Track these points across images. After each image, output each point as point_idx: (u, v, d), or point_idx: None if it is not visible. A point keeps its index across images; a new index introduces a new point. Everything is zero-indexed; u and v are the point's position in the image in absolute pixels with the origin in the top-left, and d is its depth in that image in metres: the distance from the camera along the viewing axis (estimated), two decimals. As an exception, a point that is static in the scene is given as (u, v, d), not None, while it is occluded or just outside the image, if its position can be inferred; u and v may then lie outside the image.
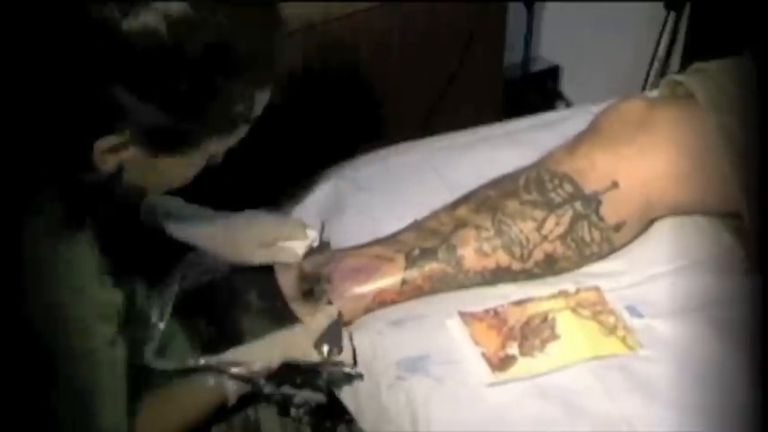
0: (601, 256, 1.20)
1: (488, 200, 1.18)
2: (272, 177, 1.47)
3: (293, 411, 1.10)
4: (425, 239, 1.17)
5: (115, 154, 0.87)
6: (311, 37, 1.65)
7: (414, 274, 1.15)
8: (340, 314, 1.12)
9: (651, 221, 1.24)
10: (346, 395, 1.13)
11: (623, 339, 1.09)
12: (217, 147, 0.94)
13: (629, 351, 1.08)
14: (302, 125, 1.68)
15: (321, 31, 1.66)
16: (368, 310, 1.15)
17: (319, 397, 1.09)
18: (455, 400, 1.03)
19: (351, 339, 1.11)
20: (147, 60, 0.81)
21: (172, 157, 0.91)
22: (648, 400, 1.01)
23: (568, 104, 2.38)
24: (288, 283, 1.18)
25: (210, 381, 1.06)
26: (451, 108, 1.91)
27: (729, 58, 1.25)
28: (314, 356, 1.08)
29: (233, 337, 1.12)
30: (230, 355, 1.06)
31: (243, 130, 0.94)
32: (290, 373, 1.07)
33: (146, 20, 0.79)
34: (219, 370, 1.06)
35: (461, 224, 1.17)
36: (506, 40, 2.00)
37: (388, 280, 1.15)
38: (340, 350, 1.09)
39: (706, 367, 1.05)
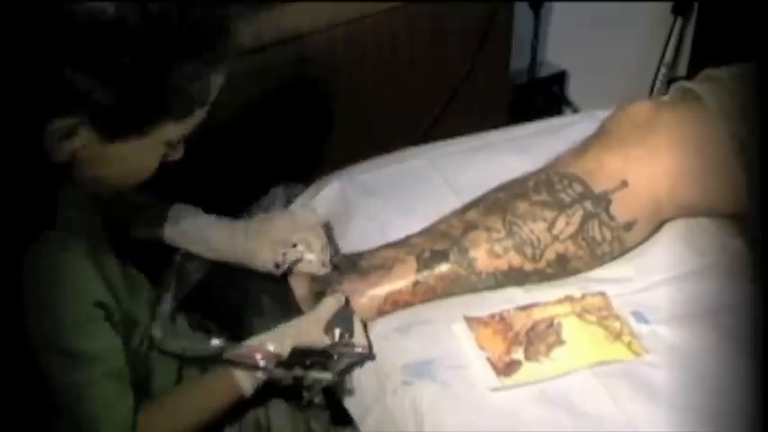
0: (613, 256, 1.20)
1: (498, 202, 1.19)
2: (276, 180, 1.48)
3: (304, 394, 1.09)
4: (436, 242, 1.17)
5: (68, 140, 0.86)
6: (318, 40, 1.65)
7: (426, 275, 1.15)
8: (347, 299, 1.13)
9: (662, 222, 1.24)
10: (351, 399, 1.13)
11: (629, 345, 1.09)
12: (173, 132, 0.92)
13: (634, 357, 1.08)
14: (307, 127, 1.69)
15: (328, 35, 1.66)
16: (381, 312, 1.15)
17: (329, 377, 1.08)
18: (460, 405, 1.03)
19: (362, 322, 1.12)
20: (95, 37, 0.81)
21: (125, 142, 0.89)
22: (653, 405, 1.01)
23: (575, 110, 2.38)
24: (300, 286, 1.18)
25: (225, 375, 1.06)
26: (458, 113, 1.91)
27: (740, 63, 1.25)
28: (325, 341, 1.08)
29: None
30: (241, 347, 1.07)
31: (199, 116, 0.93)
32: (301, 356, 1.07)
33: None
34: (230, 362, 1.06)
35: (472, 226, 1.17)
36: (513, 44, 2.00)
37: (400, 281, 1.15)
38: (351, 333, 1.09)
39: (712, 373, 1.05)
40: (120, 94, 0.84)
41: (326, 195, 1.36)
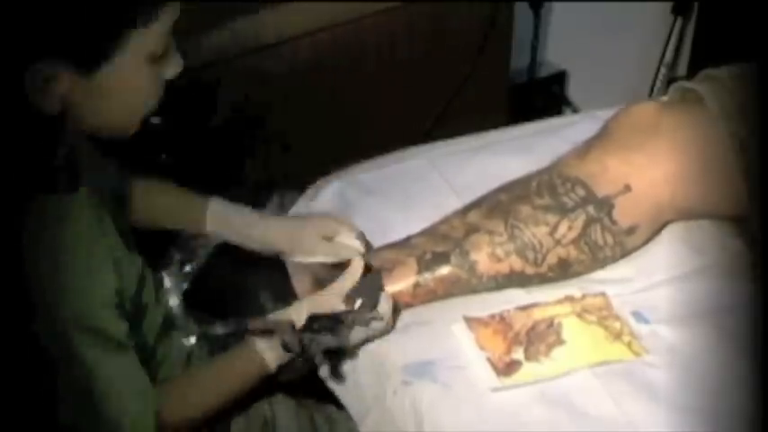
0: (614, 260, 1.20)
1: (500, 205, 1.18)
2: (275, 181, 1.48)
3: (314, 356, 1.07)
4: (437, 244, 1.17)
5: (52, 85, 0.85)
6: (318, 40, 1.65)
7: (426, 277, 1.15)
8: (378, 271, 1.12)
9: (663, 225, 1.24)
10: (352, 398, 1.13)
11: (629, 345, 1.09)
12: (149, 42, 0.89)
13: (634, 357, 1.08)
14: (306, 127, 1.69)
15: (328, 35, 1.66)
16: None
17: (336, 341, 1.06)
18: (460, 405, 1.03)
19: (392, 302, 1.10)
20: None
21: (106, 69, 0.87)
22: (653, 405, 1.01)
23: (575, 109, 2.38)
24: (302, 286, 1.18)
25: (248, 351, 1.06)
26: (458, 113, 1.91)
27: (740, 63, 1.25)
28: (341, 308, 1.08)
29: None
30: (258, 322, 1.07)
31: (168, 15, 0.90)
32: (311, 320, 1.06)
33: None
34: (250, 332, 1.06)
35: (473, 229, 1.17)
36: (513, 44, 2.00)
37: (400, 283, 1.15)
38: (374, 305, 1.08)
39: (711, 373, 1.05)
40: (73, 14, 0.83)
41: (326, 195, 1.36)
